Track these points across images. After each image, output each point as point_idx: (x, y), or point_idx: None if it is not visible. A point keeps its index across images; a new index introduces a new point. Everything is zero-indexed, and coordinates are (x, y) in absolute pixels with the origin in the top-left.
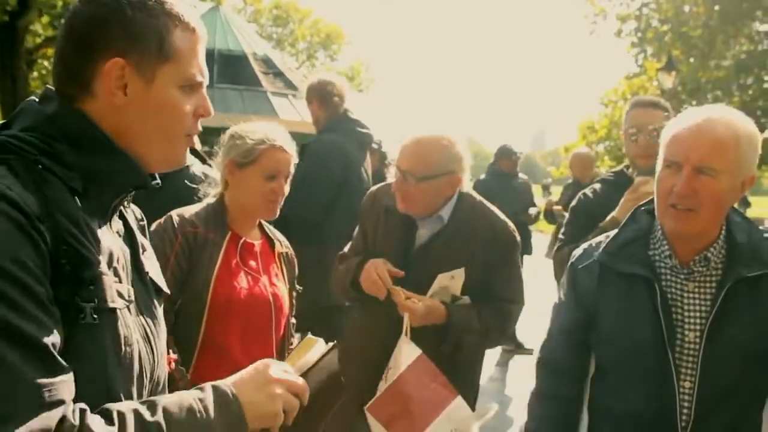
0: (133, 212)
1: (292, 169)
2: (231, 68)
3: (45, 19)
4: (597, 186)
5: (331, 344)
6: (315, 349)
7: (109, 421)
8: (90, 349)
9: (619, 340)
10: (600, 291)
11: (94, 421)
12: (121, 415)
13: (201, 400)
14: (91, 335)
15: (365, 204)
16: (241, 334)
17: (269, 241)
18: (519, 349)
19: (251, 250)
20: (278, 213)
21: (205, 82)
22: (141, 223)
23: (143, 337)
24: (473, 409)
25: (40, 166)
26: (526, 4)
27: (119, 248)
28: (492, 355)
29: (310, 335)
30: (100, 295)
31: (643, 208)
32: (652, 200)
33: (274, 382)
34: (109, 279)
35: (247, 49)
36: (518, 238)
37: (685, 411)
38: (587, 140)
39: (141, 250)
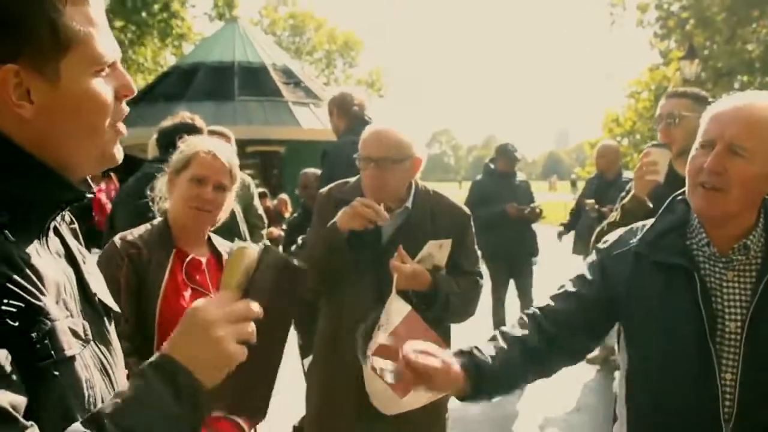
0: (62, 217)
1: (229, 182)
2: (252, 80)
3: None
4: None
5: (260, 245)
6: (246, 256)
7: None
8: (51, 404)
9: (657, 331)
10: (633, 281)
11: None
12: None
13: (145, 387)
14: (51, 391)
15: (321, 201)
16: None
17: (217, 256)
18: None
19: (198, 266)
20: (215, 223)
21: (117, 56)
22: (72, 226)
23: (100, 370)
24: None
25: None
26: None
27: (62, 273)
28: None
29: (237, 243)
30: (56, 346)
31: (679, 197)
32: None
33: (211, 323)
34: (62, 324)
35: (266, 61)
36: (470, 213)
37: (727, 403)
38: (612, 133)
39: (82, 264)
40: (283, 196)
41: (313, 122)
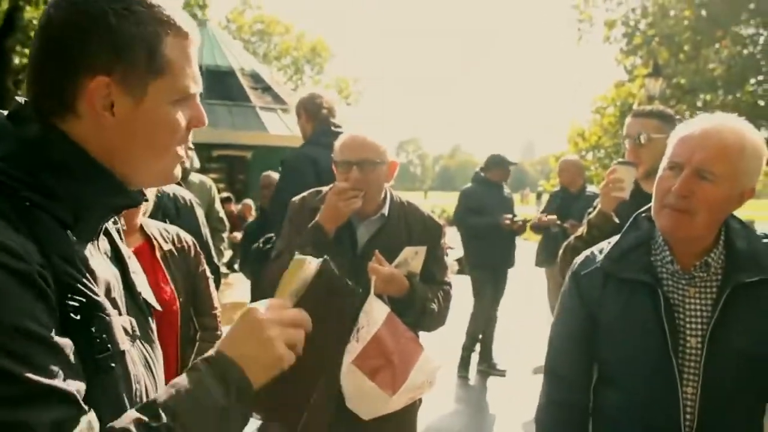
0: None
1: None
2: (219, 84)
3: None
4: None
5: (320, 259)
6: (306, 268)
7: None
8: (106, 397)
9: (622, 345)
10: (603, 297)
11: None
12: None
13: (198, 381)
14: (106, 384)
15: (295, 207)
16: None
17: (149, 243)
18: (492, 370)
19: None
20: (144, 211)
21: (199, 89)
22: (116, 226)
23: (144, 365)
24: None
25: (27, 203)
26: (515, 14)
27: (111, 273)
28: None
29: (297, 255)
30: (112, 341)
31: (644, 214)
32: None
33: (266, 324)
34: (116, 320)
35: (234, 65)
36: (442, 225)
37: (688, 417)
38: (577, 147)
39: (128, 264)
40: (248, 201)
41: (281, 128)
